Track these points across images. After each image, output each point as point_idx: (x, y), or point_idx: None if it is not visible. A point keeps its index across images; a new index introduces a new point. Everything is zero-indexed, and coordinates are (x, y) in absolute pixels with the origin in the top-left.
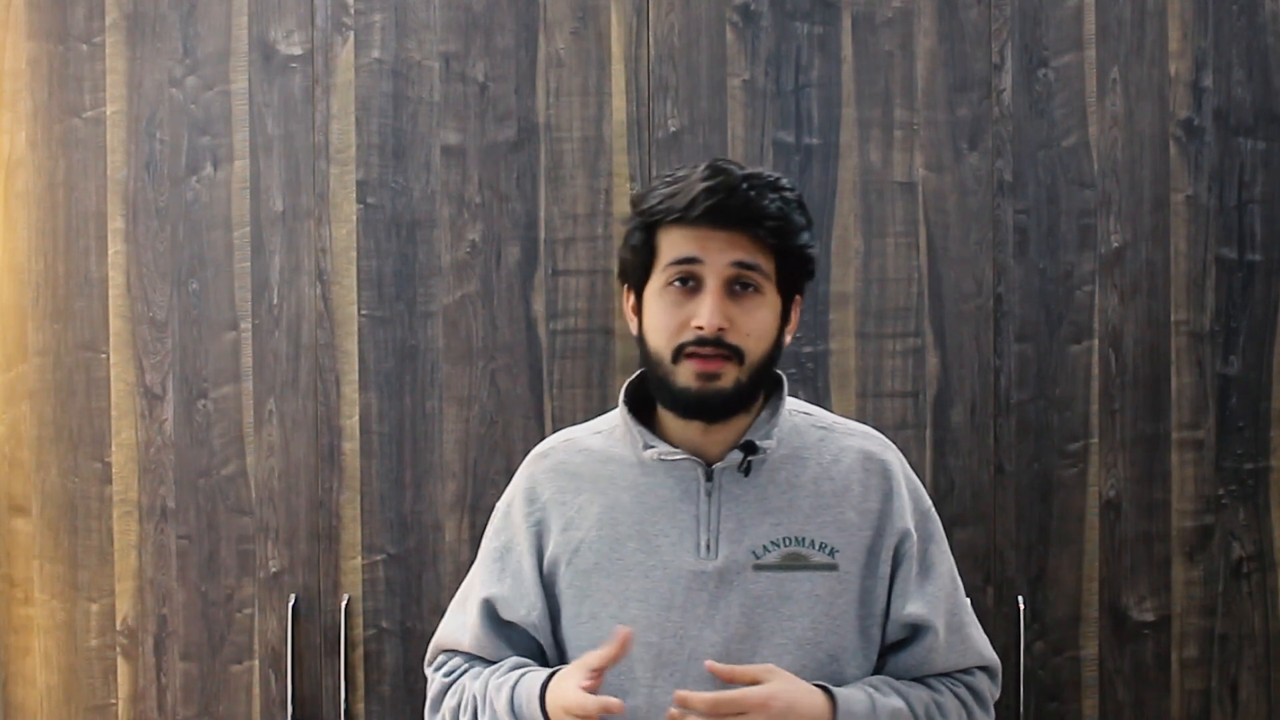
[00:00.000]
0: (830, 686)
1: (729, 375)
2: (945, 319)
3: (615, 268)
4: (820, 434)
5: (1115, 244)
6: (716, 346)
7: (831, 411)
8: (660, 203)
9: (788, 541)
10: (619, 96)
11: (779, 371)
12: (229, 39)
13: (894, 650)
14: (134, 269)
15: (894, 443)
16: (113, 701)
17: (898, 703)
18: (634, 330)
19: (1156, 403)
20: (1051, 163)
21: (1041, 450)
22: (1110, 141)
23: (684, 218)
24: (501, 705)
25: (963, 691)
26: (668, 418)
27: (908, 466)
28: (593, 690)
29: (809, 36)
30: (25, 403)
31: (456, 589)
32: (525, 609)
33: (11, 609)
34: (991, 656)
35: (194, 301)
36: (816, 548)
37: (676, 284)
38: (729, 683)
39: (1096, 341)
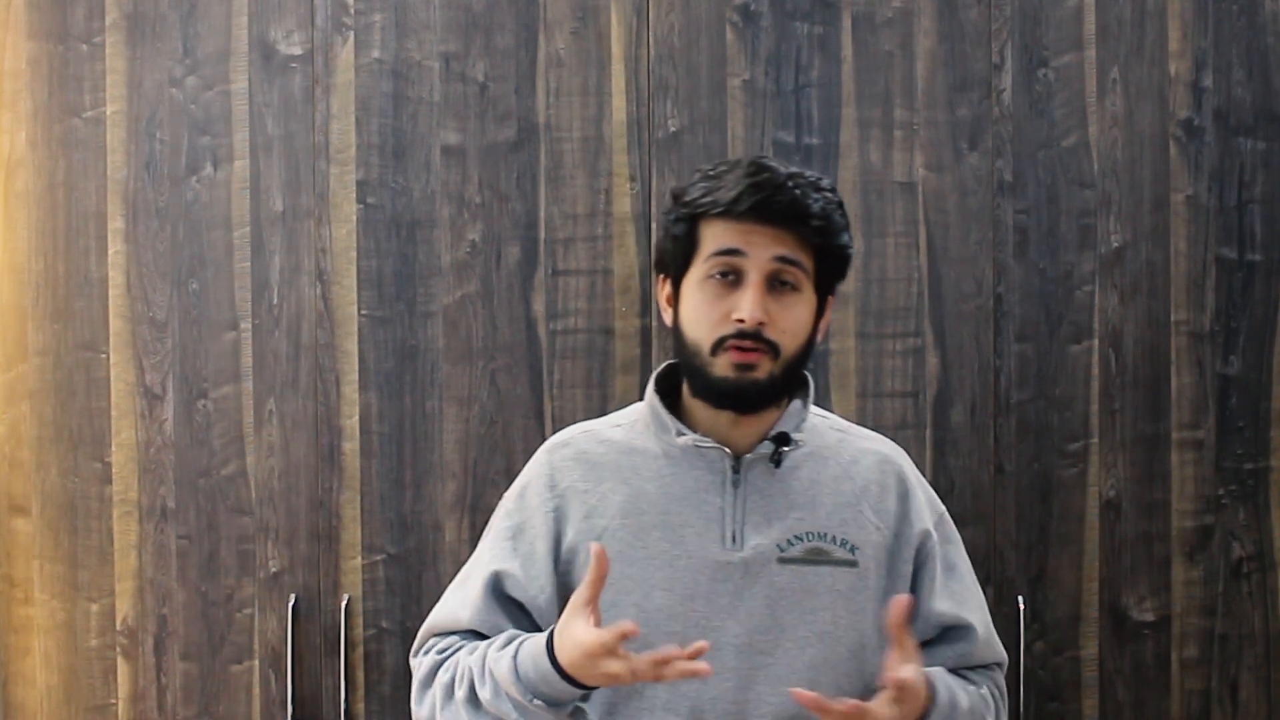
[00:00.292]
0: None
1: (764, 368)
2: (945, 319)
3: (616, 268)
4: (838, 436)
5: (1115, 244)
6: (755, 340)
7: (832, 412)
8: (705, 195)
9: (810, 536)
10: (619, 96)
11: (807, 373)
12: (229, 39)
13: (932, 646)
14: (134, 269)
15: (894, 442)
16: (113, 701)
17: (963, 699)
18: (668, 321)
19: (1156, 403)
20: (1051, 163)
21: (1041, 450)
22: (1110, 141)
23: (729, 211)
24: (503, 674)
25: (991, 686)
26: (696, 408)
27: (919, 473)
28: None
29: (809, 36)
30: (25, 403)
31: None
32: (535, 590)
33: (11, 609)
34: (1005, 653)
35: (194, 301)
36: (838, 544)
37: (717, 276)
38: (815, 712)
39: (1096, 341)
